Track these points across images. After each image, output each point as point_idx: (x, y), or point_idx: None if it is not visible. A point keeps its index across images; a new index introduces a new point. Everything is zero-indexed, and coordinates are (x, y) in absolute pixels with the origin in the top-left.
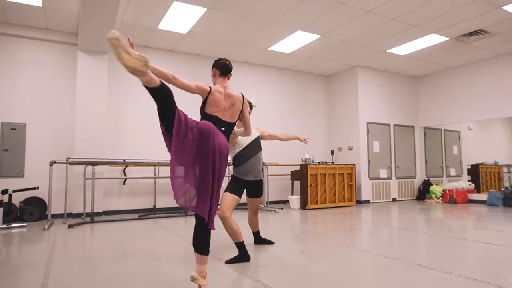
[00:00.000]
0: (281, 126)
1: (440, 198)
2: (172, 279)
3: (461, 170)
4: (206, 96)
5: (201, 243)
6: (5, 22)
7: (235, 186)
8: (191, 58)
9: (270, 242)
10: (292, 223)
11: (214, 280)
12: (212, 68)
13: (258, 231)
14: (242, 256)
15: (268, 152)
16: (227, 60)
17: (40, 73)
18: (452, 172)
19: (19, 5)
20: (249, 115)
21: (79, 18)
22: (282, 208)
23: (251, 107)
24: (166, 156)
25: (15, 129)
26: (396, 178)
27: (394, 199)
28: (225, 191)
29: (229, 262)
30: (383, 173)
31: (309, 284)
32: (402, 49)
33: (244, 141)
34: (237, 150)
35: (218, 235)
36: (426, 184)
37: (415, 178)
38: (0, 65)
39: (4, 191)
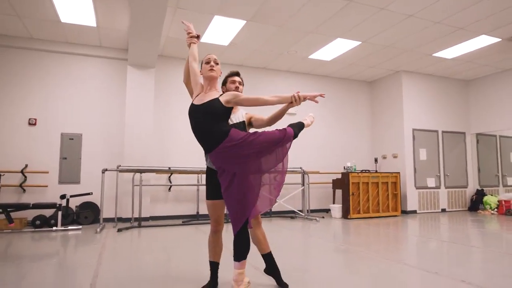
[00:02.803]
0: (322, 133)
1: (495, 210)
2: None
3: None
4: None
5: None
6: (65, 42)
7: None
8: (233, 69)
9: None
10: (333, 232)
11: None
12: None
13: (270, 253)
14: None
15: (309, 160)
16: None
17: (94, 87)
18: (509, 181)
19: (77, 26)
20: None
21: (129, 36)
22: (323, 217)
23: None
24: None
25: (72, 139)
26: (446, 188)
27: (443, 210)
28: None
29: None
30: (430, 182)
31: None
32: (450, 52)
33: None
34: None
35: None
36: (480, 194)
37: (466, 187)
38: (60, 81)
39: (63, 196)
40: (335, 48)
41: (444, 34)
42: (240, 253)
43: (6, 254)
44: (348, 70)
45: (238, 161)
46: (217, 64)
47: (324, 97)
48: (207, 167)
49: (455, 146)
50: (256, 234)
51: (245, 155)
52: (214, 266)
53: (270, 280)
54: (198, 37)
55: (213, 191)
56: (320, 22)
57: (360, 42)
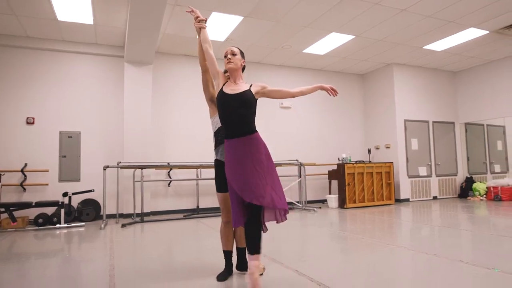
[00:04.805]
0: (316, 126)
1: (484, 196)
2: (216, 269)
3: (507, 167)
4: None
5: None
6: (61, 40)
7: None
8: None
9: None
10: (331, 221)
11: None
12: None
13: (245, 248)
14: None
15: (305, 152)
16: None
17: (91, 84)
18: (497, 168)
19: (73, 24)
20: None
21: (126, 33)
22: (320, 207)
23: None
24: (208, 159)
25: (71, 137)
26: (437, 176)
27: (435, 197)
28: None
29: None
30: (422, 171)
31: (352, 278)
32: (439, 45)
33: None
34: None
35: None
36: (469, 181)
37: (456, 175)
38: (57, 79)
39: (65, 194)
40: (329, 42)
41: (435, 27)
42: (256, 247)
43: (14, 253)
44: (341, 63)
45: (250, 158)
46: (234, 55)
47: (336, 95)
48: (217, 160)
49: (445, 135)
50: (240, 229)
51: (256, 158)
52: (228, 255)
53: (282, 267)
54: (205, 21)
55: (224, 184)
56: (316, 17)
57: (353, 36)
